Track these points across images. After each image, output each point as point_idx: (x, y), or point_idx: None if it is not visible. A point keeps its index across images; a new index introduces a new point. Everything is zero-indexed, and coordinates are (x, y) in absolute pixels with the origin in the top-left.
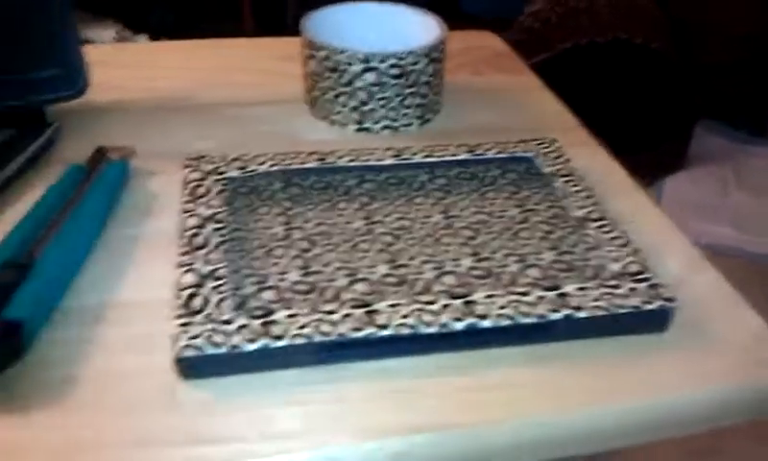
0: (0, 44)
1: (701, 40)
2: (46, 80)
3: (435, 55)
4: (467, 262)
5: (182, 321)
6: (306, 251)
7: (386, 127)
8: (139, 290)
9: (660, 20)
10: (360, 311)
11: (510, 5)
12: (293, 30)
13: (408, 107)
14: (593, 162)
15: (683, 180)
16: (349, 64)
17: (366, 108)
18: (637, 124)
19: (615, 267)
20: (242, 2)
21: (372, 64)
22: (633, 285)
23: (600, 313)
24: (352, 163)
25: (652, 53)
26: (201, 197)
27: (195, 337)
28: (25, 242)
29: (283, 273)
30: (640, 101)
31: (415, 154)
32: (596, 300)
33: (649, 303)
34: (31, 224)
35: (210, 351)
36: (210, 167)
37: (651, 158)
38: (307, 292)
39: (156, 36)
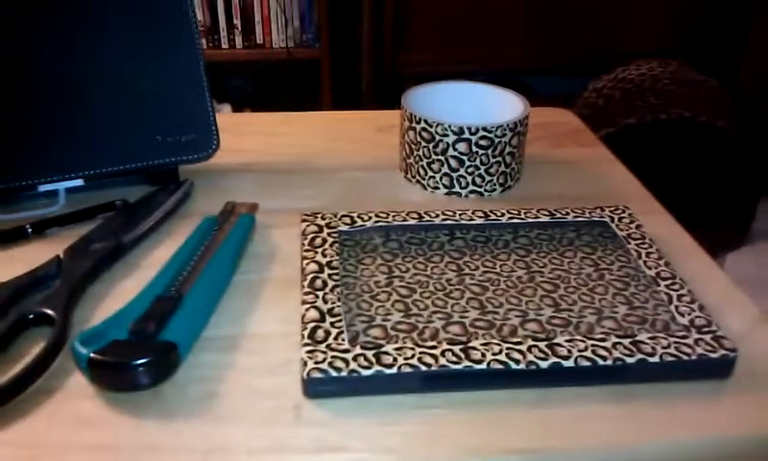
0: (148, 112)
1: (764, 119)
2: (184, 143)
3: (519, 129)
4: (548, 312)
5: (308, 349)
6: (406, 296)
7: (472, 191)
8: (268, 324)
9: (726, 99)
10: (458, 347)
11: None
12: (366, 104)
13: (493, 174)
14: (662, 228)
15: (745, 257)
16: (444, 135)
17: (456, 174)
18: (700, 201)
19: (683, 320)
20: (320, 77)
21: (465, 136)
22: (699, 336)
23: (670, 359)
24: (446, 222)
25: (717, 131)
26: (318, 247)
27: (320, 362)
28: (173, 280)
29: (387, 314)
30: (704, 178)
31: (500, 216)
32: (666, 347)
33: (713, 351)
34: (176, 265)
35: (333, 374)
36: (324, 222)
37: (713, 235)
38: (409, 331)
39: (238, 106)
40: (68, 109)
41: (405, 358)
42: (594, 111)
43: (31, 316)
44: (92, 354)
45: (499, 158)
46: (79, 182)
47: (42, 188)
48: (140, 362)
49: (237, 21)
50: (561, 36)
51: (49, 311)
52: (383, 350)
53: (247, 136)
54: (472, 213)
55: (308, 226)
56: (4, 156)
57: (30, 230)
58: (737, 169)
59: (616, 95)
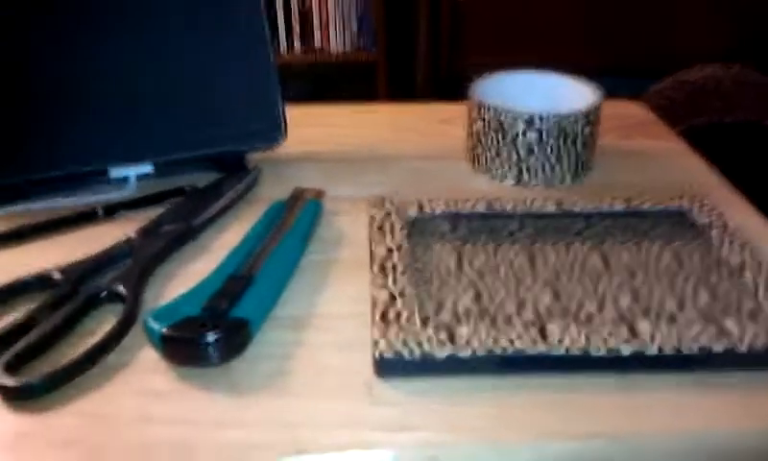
0: (218, 101)
1: None
2: (254, 131)
3: (591, 117)
4: (626, 300)
5: (380, 328)
6: (476, 282)
7: (541, 182)
8: (336, 304)
9: None
10: (534, 330)
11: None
12: (421, 98)
13: (563, 164)
14: (743, 219)
15: None
16: (514, 124)
17: (525, 163)
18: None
19: None
20: (377, 81)
21: (535, 124)
22: None
23: (758, 347)
24: (516, 210)
25: None
26: (386, 231)
27: (392, 342)
28: (244, 261)
29: (457, 299)
30: None
31: (573, 204)
32: (754, 335)
33: None
34: (247, 246)
35: (405, 354)
36: (392, 208)
37: None
38: (480, 316)
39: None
40: (141, 97)
41: (479, 341)
42: (657, 113)
43: (103, 293)
44: (165, 330)
45: (571, 148)
46: (149, 169)
47: (114, 174)
48: (212, 338)
49: (296, 25)
50: (621, 37)
51: (121, 289)
52: (457, 332)
53: (311, 127)
54: (545, 201)
55: (377, 211)
56: (79, 141)
57: (101, 213)
58: None
59: (679, 97)
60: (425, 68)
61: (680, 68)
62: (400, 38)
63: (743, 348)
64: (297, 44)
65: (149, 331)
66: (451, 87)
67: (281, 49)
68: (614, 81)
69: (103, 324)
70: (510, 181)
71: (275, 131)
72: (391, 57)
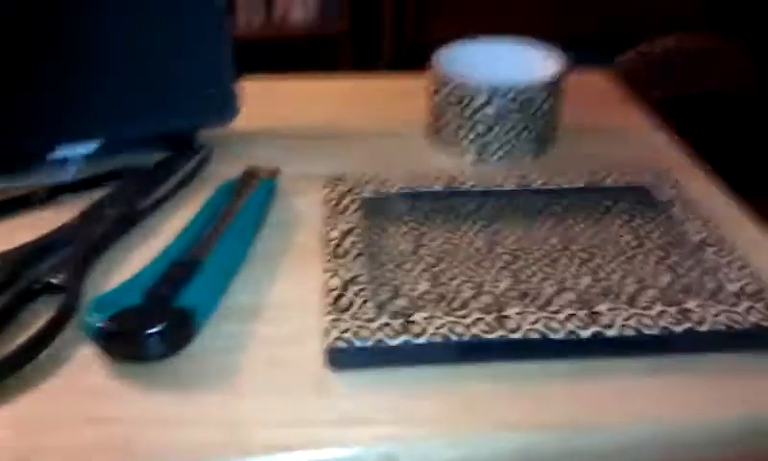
0: (165, 74)
1: None
2: (205, 107)
3: (555, 89)
4: (585, 281)
5: (332, 317)
6: (433, 266)
7: (503, 157)
8: (289, 293)
9: (748, 66)
10: (491, 316)
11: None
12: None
13: (526, 138)
14: (707, 194)
15: None
16: (474, 96)
17: (485, 138)
18: (738, 171)
19: (733, 288)
20: (341, 53)
21: (496, 96)
22: (750, 304)
23: (720, 328)
24: (476, 188)
25: (746, 100)
26: (341, 213)
27: (344, 332)
28: (190, 245)
29: (414, 284)
30: (738, 149)
31: (534, 181)
32: (716, 315)
33: (767, 320)
34: (194, 230)
35: (358, 344)
36: (347, 188)
37: (758, 204)
38: (437, 301)
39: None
40: (83, 73)
41: (435, 328)
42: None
43: (40, 285)
44: (102, 323)
45: (533, 121)
46: (94, 148)
47: (56, 154)
48: (154, 330)
49: None
50: (592, 7)
51: (59, 279)
52: (411, 319)
53: (266, 102)
54: (505, 179)
55: (330, 191)
56: (16, 121)
57: (43, 197)
58: None
59: (641, 69)
60: (390, 40)
61: (650, 36)
62: (365, 9)
63: (704, 329)
64: (257, 16)
65: (85, 325)
66: (418, 59)
67: (241, 21)
68: (585, 53)
69: (40, 317)
70: (471, 157)
71: (227, 106)
72: (355, 29)
